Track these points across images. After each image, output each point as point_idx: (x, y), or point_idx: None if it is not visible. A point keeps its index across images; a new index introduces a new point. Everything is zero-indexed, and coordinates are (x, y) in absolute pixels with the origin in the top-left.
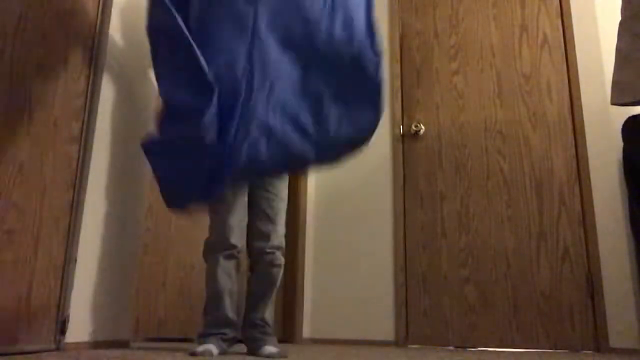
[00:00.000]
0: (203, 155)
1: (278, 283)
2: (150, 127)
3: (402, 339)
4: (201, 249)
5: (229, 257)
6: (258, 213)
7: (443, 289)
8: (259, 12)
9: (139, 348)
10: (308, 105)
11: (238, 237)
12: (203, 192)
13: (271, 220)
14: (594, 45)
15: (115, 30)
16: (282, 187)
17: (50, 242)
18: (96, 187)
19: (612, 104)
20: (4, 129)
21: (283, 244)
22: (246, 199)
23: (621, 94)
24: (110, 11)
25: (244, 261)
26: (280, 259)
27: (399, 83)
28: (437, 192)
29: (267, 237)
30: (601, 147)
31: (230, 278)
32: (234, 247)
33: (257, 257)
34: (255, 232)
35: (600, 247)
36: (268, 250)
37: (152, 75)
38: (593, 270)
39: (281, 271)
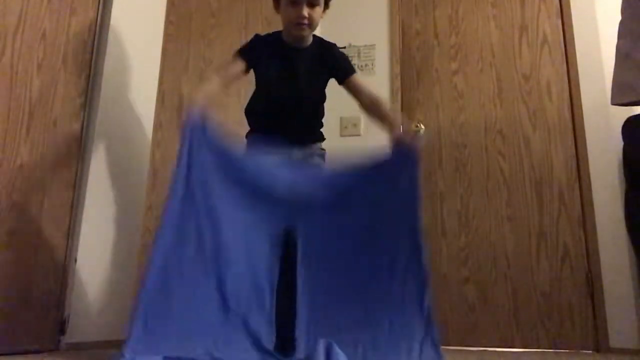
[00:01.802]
0: None
1: None
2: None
3: None
4: None
5: None
6: None
7: (443, 289)
8: None
9: None
10: None
11: None
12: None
13: None
14: (594, 45)
15: (115, 30)
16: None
17: (50, 242)
18: (96, 187)
19: (613, 104)
20: (4, 129)
21: None
22: None
23: (621, 94)
24: (110, 11)
25: None
26: None
27: (399, 83)
28: (437, 192)
29: None
30: (601, 147)
31: None
32: None
33: None
34: None
35: (600, 247)
36: None
37: (152, 74)
38: (593, 270)
39: None
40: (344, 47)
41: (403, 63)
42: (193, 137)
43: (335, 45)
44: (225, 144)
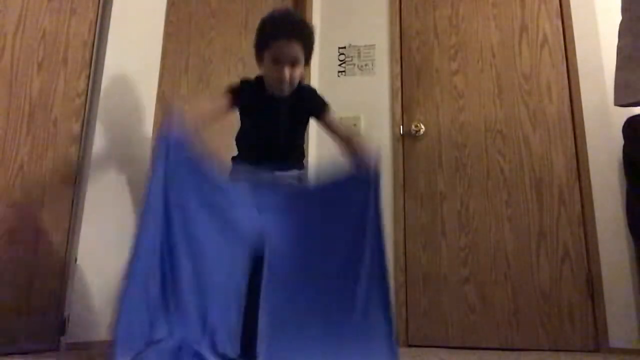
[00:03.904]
0: None
1: None
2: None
3: (402, 339)
4: None
5: None
6: None
7: (443, 289)
8: None
9: None
10: None
11: None
12: None
13: None
14: (594, 45)
15: (115, 30)
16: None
17: (50, 242)
18: (96, 187)
19: (616, 104)
20: (4, 129)
21: None
22: None
23: (624, 95)
24: (110, 11)
25: None
26: None
27: (399, 83)
28: (437, 192)
29: None
30: (601, 147)
31: None
32: None
33: None
34: None
35: (600, 247)
36: None
37: (152, 74)
38: (593, 270)
39: None
40: (344, 47)
41: (403, 63)
42: (171, 153)
43: (313, 90)
44: (202, 166)
